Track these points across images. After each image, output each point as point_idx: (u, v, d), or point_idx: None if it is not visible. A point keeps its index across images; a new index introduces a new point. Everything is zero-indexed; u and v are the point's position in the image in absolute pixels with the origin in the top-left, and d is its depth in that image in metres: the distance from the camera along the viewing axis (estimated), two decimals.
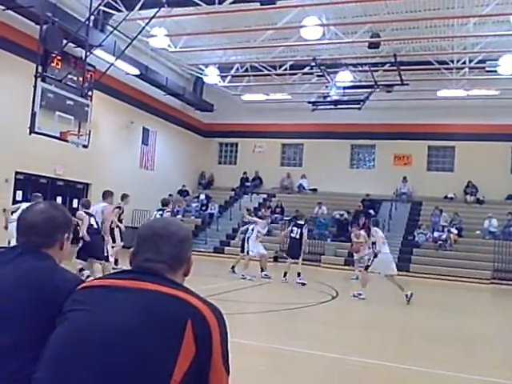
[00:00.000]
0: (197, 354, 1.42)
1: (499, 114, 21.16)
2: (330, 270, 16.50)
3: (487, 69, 19.01)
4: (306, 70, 20.74)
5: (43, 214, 1.91)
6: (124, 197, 13.22)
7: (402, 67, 18.39)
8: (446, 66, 19.88)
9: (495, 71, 18.74)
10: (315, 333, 7.25)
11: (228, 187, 25.27)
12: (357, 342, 6.86)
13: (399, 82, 18.80)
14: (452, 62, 19.55)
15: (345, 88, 19.29)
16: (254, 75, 22.02)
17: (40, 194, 10.66)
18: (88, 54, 14.19)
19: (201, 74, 22.72)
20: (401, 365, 5.65)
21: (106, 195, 10.60)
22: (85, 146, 14.01)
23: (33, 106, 11.96)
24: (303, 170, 24.90)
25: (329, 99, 19.11)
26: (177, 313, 1.45)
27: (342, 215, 20.95)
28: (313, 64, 18.64)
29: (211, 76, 22.09)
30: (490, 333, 8.35)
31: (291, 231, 13.24)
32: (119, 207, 12.90)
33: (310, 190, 24.24)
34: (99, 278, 1.63)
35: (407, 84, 18.95)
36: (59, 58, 13.83)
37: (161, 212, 11.83)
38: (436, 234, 19.42)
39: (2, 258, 1.85)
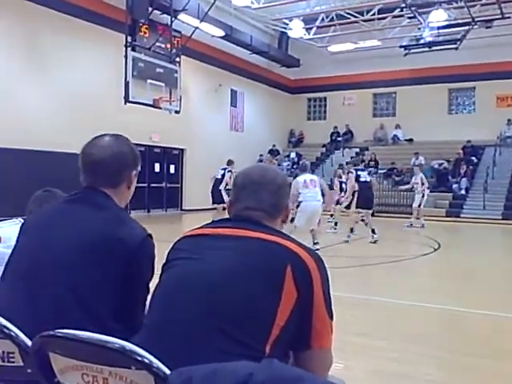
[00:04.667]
0: (298, 299, 1.41)
1: None
2: (431, 223, 15.85)
3: None
4: (396, 12, 19.51)
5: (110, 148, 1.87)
6: (231, 162, 13.50)
7: None
8: None
9: None
10: (416, 284, 7.05)
11: (319, 143, 24.89)
12: (460, 292, 6.58)
13: (499, 16, 17.19)
14: None
15: (439, 28, 18.00)
16: (341, 24, 21.12)
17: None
18: (173, 19, 14.42)
19: (285, 28, 22.25)
20: (507, 314, 5.35)
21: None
22: (177, 112, 14.45)
23: (125, 75, 12.44)
24: (397, 119, 23.86)
25: (422, 41, 17.95)
26: (276, 258, 1.44)
27: (441, 164, 19.95)
28: (403, 5, 17.48)
29: (296, 29, 21.55)
30: None
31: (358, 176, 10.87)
32: (230, 171, 13.10)
33: (406, 140, 23.27)
34: (200, 228, 1.63)
35: (509, 17, 17.30)
36: (146, 26, 14.14)
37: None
38: None
39: (60, 208, 1.83)
